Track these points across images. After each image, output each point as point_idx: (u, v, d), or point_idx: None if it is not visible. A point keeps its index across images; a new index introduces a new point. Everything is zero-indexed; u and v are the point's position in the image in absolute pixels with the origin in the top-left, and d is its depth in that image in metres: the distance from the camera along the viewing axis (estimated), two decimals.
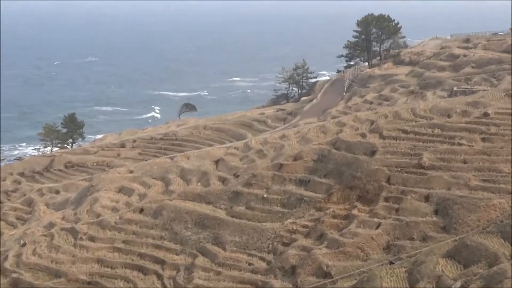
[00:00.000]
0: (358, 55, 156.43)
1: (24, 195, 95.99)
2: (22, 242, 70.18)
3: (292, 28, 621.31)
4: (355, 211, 57.79)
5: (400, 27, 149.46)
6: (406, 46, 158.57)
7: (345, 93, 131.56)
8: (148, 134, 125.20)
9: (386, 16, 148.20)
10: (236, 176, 69.68)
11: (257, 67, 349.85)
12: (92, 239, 67.34)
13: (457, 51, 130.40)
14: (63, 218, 75.22)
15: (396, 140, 64.49)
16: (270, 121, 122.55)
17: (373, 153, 62.99)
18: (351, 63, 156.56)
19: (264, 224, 60.89)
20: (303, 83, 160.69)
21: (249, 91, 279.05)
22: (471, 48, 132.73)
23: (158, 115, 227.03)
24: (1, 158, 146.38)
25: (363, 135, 67.61)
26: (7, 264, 65.72)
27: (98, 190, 77.98)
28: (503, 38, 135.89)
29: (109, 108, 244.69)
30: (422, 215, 54.32)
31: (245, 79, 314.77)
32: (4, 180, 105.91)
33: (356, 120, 75.48)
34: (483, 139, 61.90)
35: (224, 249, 60.35)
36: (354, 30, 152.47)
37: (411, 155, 61.37)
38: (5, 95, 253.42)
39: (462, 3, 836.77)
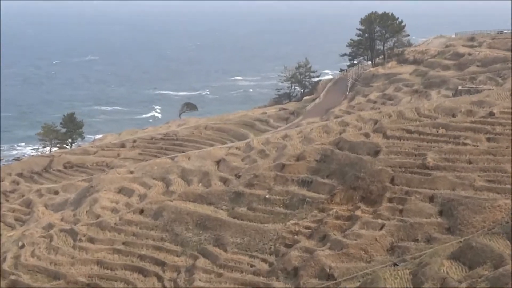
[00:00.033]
0: (362, 53, 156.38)
1: (23, 195, 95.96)
2: (20, 243, 70.12)
3: (294, 27, 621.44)
4: (358, 212, 57.72)
5: (404, 25, 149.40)
6: (410, 45, 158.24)
7: (348, 92, 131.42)
8: (148, 134, 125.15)
9: (390, 14, 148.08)
10: (238, 176, 69.62)
11: (259, 66, 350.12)
12: (91, 240, 67.28)
13: (462, 50, 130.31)
14: (62, 219, 75.16)
15: (400, 140, 64.43)
16: (272, 120, 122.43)
17: (376, 153, 62.94)
18: (354, 62, 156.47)
19: (266, 225, 60.84)
20: (306, 82, 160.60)
21: (251, 90, 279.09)
22: (476, 46, 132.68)
23: (159, 115, 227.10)
24: (0, 158, 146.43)
25: (366, 135, 67.56)
26: (5, 266, 65.65)
27: (98, 190, 77.92)
28: (509, 36, 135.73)
29: (109, 108, 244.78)
30: (427, 216, 54.25)
31: (247, 78, 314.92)
32: (2, 181, 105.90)
33: (360, 119, 75.37)
34: (488, 139, 61.83)
35: (226, 250, 60.29)
36: (357, 29, 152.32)
37: (415, 155, 61.30)
38: (4, 94, 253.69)
39: (460, 4, 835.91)
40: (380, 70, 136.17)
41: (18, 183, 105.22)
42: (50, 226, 73.59)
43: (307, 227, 58.88)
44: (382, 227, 54.49)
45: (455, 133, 63.75)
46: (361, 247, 53.08)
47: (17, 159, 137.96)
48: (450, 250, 46.72)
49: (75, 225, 70.77)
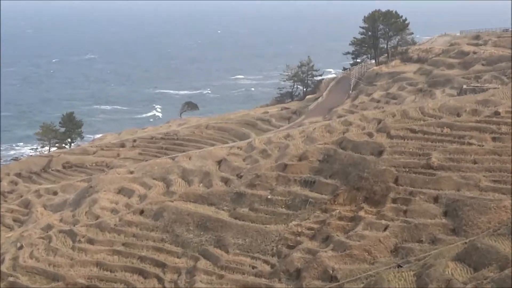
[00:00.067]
0: (365, 52, 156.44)
1: (21, 196, 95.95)
2: (18, 244, 70.13)
3: (295, 26, 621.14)
4: (362, 213, 57.64)
5: (408, 24, 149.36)
6: (414, 43, 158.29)
7: (352, 91, 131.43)
8: (148, 133, 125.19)
9: (393, 12, 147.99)
10: (239, 176, 69.58)
11: (261, 65, 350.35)
12: (91, 241, 67.25)
13: (467, 48, 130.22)
14: (61, 220, 75.14)
15: (404, 140, 64.34)
16: (274, 120, 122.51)
17: (380, 153, 62.85)
18: (358, 60, 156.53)
19: (268, 226, 60.77)
20: (308, 81, 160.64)
21: (252, 89, 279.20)
22: (481, 45, 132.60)
23: (160, 114, 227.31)
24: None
25: (370, 135, 67.49)
26: (3, 268, 65.65)
27: (97, 191, 77.90)
28: None
29: (108, 107, 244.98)
30: (431, 216, 54.16)
31: (249, 77, 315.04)
32: (0, 181, 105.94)
33: (363, 119, 75.30)
34: (494, 139, 61.69)
35: (227, 252, 60.25)
36: (360, 27, 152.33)
37: (420, 155, 61.21)
38: (3, 93, 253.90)
39: (461, 3, 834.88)
40: (384, 68, 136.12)
41: (16, 184, 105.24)
42: (49, 227, 73.59)
43: (309, 228, 58.81)
44: (386, 228, 54.41)
45: (460, 133, 63.65)
46: (364, 248, 53.00)
47: (16, 159, 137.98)
48: (455, 251, 46.59)
49: (74, 226, 70.76)
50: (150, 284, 59.79)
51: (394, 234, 53.52)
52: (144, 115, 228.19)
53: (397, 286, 44.38)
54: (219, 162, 75.96)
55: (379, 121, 71.25)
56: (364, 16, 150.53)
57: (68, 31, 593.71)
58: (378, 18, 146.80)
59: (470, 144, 61.26)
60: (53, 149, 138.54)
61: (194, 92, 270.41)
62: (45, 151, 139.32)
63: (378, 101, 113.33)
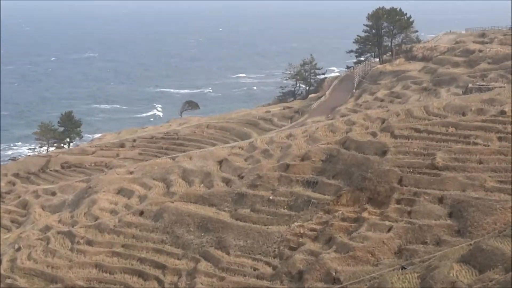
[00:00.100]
0: (369, 50, 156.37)
1: (19, 197, 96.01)
2: (16, 246, 70.24)
3: (297, 25, 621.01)
4: (365, 214, 57.64)
5: (413, 21, 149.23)
6: (418, 41, 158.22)
7: (355, 90, 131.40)
8: (148, 133, 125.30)
9: (398, 9, 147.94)
10: (241, 177, 69.61)
11: (263, 63, 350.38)
12: (89, 243, 67.31)
13: (472, 46, 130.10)
14: (59, 221, 75.27)
15: (408, 140, 64.33)
16: (276, 119, 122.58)
17: (384, 153, 62.84)
18: (361, 58, 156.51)
19: (270, 227, 60.78)
20: (311, 80, 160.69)
21: (254, 88, 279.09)
22: (487, 43, 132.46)
23: (161, 113, 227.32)
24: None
25: (373, 134, 67.49)
26: (1, 269, 65.75)
27: (96, 191, 78.00)
28: None
29: (108, 106, 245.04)
30: (436, 218, 54.14)
31: (250, 76, 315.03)
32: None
33: (367, 118, 75.31)
34: (500, 138, 61.65)
35: (228, 253, 60.26)
36: (364, 24, 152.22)
37: (424, 155, 61.18)
38: (2, 92, 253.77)
39: (461, 3, 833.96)
40: (388, 67, 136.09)
41: (14, 184, 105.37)
42: (47, 228, 73.70)
43: (312, 229, 58.81)
44: (389, 229, 54.39)
45: (465, 132, 63.61)
46: (368, 250, 53.00)
47: (13, 159, 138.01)
48: (460, 253, 46.60)
49: (73, 227, 70.86)
50: (150, 286, 59.85)
51: (398, 236, 53.50)
52: (144, 115, 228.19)
53: None
54: (220, 162, 76.00)
55: (383, 121, 71.27)
56: (368, 14, 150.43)
57: (67, 29, 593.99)
58: (382, 16, 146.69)
59: (475, 144, 61.23)
60: (51, 149, 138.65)
61: (195, 91, 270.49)
62: (43, 151, 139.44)
63: (382, 100, 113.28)
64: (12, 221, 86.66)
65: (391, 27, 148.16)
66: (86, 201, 76.46)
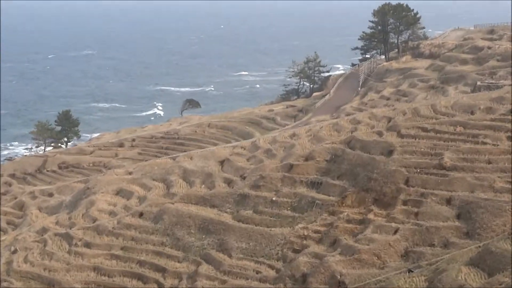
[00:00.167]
0: (374, 47, 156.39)
1: (15, 198, 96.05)
2: (13, 248, 70.23)
3: (298, 24, 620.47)
4: (371, 215, 57.57)
5: (420, 17, 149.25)
6: (426, 38, 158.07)
7: (360, 88, 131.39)
8: (148, 132, 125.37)
9: (404, 5, 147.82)
10: (243, 177, 69.60)
11: (265, 60, 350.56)
12: (88, 245, 67.30)
13: (481, 43, 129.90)
14: (56, 223, 75.27)
15: (415, 139, 64.27)
16: (279, 118, 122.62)
17: (390, 152, 62.80)
18: (367, 56, 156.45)
19: (273, 229, 60.77)
20: (315, 78, 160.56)
21: (257, 86, 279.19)
22: (496, 39, 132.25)
23: (161, 112, 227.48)
24: None
25: (379, 134, 67.45)
26: None
27: (95, 192, 78.01)
28: None
29: (107, 105, 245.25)
30: (443, 219, 54.08)
31: (253, 73, 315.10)
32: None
33: (372, 117, 75.25)
34: (509, 138, 61.56)
35: (230, 256, 60.25)
36: (370, 21, 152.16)
37: (432, 155, 61.12)
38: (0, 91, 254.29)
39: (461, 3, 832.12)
40: (394, 64, 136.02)
41: (10, 185, 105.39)
42: (44, 230, 73.70)
43: (316, 231, 58.78)
44: (396, 231, 54.34)
45: (473, 132, 63.53)
46: (373, 253, 52.95)
47: (9, 159, 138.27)
48: (468, 255, 46.53)
49: (70, 229, 70.84)
50: None
51: (404, 238, 53.45)
52: (144, 113, 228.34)
53: None
54: (222, 163, 75.97)
55: (389, 120, 71.22)
56: (374, 10, 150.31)
57: (64, 27, 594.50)
58: (388, 12, 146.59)
59: (484, 143, 61.16)
60: (48, 148, 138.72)
61: (196, 89, 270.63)
62: (40, 150, 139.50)
63: (388, 99, 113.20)
64: (8, 223, 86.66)
65: (398, 24, 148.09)
66: (84, 202, 76.47)
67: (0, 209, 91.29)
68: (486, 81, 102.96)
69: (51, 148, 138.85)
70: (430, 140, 63.71)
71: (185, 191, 71.35)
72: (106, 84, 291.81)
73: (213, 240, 62.48)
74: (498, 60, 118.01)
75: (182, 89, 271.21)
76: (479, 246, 47.86)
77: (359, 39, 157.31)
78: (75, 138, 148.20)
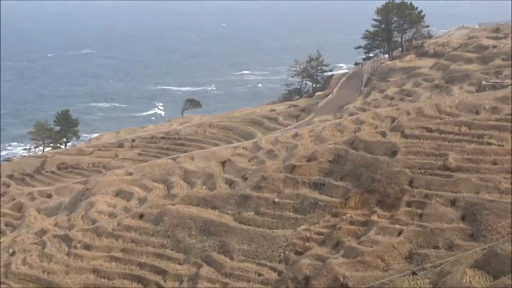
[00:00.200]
0: (378, 46, 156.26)
1: (14, 199, 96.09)
2: (11, 250, 70.24)
3: (298, 23, 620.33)
4: (374, 217, 57.53)
5: (424, 16, 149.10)
6: (430, 36, 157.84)
7: (364, 87, 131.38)
8: (148, 132, 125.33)
9: (408, 3, 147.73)
10: (245, 178, 69.56)
11: (267, 60, 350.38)
12: (87, 247, 67.28)
13: (486, 42, 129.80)
14: (55, 225, 75.25)
15: (419, 139, 64.22)
16: (281, 118, 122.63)
17: (394, 153, 62.75)
18: (370, 55, 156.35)
19: (275, 231, 60.73)
20: (318, 77, 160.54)
21: (259, 85, 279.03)
22: (501, 38, 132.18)
23: (162, 112, 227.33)
24: None
25: (383, 134, 67.40)
26: None
27: (94, 194, 77.99)
28: None
29: (106, 104, 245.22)
30: (448, 221, 54.03)
31: (255, 73, 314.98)
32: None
33: (376, 117, 75.20)
34: None
35: (232, 258, 60.21)
36: (373, 19, 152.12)
37: (436, 156, 61.08)
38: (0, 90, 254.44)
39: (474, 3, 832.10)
40: (398, 63, 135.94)
41: (8, 186, 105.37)
42: (42, 231, 73.69)
43: (319, 233, 58.74)
44: (400, 233, 54.29)
45: (478, 132, 63.47)
46: (377, 255, 52.90)
47: (8, 159, 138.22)
48: (473, 257, 46.47)
49: (69, 230, 70.83)
50: None
51: (408, 240, 53.40)
52: (144, 113, 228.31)
53: None
54: (223, 163, 75.96)
55: (393, 120, 71.18)
56: (377, 8, 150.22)
57: (63, 26, 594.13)
58: (392, 10, 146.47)
59: (489, 144, 61.09)
60: (47, 149, 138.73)
61: (197, 88, 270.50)
62: (39, 151, 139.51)
63: (392, 98, 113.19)
64: (7, 225, 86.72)
65: (401, 22, 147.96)
66: (84, 204, 76.47)
67: None
68: (491, 81, 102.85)
69: (50, 148, 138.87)
70: (434, 140, 63.67)
71: (186, 192, 71.33)
72: (105, 83, 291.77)
73: (214, 242, 62.45)
74: (503, 59, 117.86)
75: (183, 89, 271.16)
76: (484, 248, 47.81)
77: (362, 38, 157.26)
78: (74, 138, 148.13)
